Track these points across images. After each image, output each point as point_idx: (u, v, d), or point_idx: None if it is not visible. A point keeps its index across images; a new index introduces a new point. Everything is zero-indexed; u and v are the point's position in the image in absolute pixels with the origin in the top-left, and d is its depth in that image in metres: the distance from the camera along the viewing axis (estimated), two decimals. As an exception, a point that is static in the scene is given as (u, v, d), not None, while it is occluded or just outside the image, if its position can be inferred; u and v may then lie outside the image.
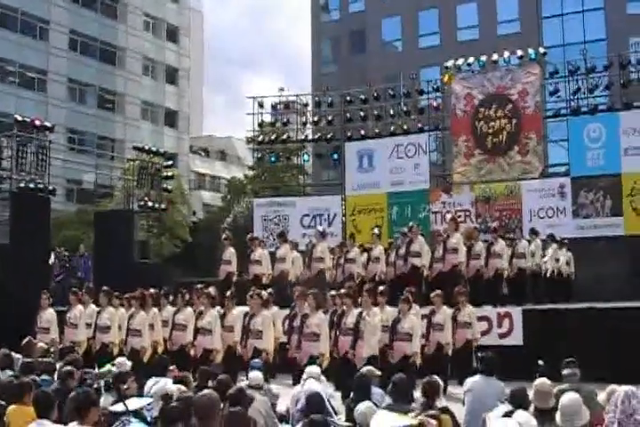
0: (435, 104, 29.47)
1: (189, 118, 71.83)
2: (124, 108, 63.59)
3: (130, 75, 63.81)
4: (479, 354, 12.14)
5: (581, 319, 18.23)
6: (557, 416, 7.75)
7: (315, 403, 8.66)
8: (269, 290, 18.55)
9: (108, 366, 12.14)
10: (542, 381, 8.48)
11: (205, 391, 7.66)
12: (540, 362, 12.96)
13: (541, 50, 28.61)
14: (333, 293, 17.38)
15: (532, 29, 50.30)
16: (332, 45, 62.08)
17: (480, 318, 18.00)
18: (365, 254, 21.56)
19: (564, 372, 10.41)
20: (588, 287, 22.97)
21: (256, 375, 11.00)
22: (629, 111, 26.26)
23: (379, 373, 11.20)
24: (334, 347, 15.70)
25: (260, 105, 31.57)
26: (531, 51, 27.83)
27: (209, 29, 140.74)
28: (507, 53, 28.01)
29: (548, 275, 22.17)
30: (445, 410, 8.84)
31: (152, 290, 18.24)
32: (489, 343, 17.28)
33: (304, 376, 11.21)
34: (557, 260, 22.51)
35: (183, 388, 9.49)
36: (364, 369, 11.10)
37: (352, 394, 9.93)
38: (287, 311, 18.01)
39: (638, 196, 24.98)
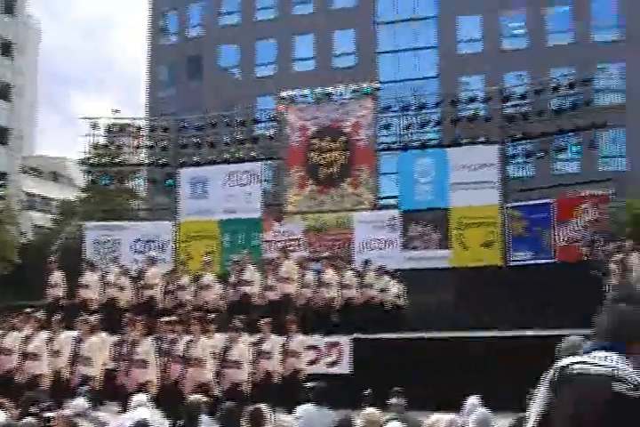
0: (269, 133, 29.71)
1: (22, 137, 70.16)
2: (-46, 122, 61.67)
3: (-40, 89, 61.99)
4: (309, 384, 12.25)
5: (409, 349, 18.60)
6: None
7: (142, 431, 8.66)
8: (98, 315, 18.25)
9: None
10: (371, 410, 8.71)
11: (26, 420, 7.55)
12: (367, 391, 13.21)
13: (375, 84, 29.20)
14: (164, 319, 17.32)
15: (367, 64, 51.32)
16: (170, 69, 61.60)
17: (309, 347, 18.09)
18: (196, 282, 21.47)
19: (391, 401, 10.78)
20: (416, 317, 23.54)
21: (81, 402, 10.84)
22: (458, 148, 27.11)
23: (207, 400, 11.23)
24: (164, 374, 15.58)
25: (94, 126, 31.09)
26: (365, 85, 28.39)
27: (44, 47, 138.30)
28: (341, 86, 28.48)
29: (377, 306, 22.41)
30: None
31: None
32: (317, 372, 17.34)
33: (132, 404, 11.13)
34: (386, 291, 22.85)
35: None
36: (193, 397, 11.09)
37: (181, 422, 9.94)
38: (115, 338, 17.78)
39: (466, 230, 25.80)
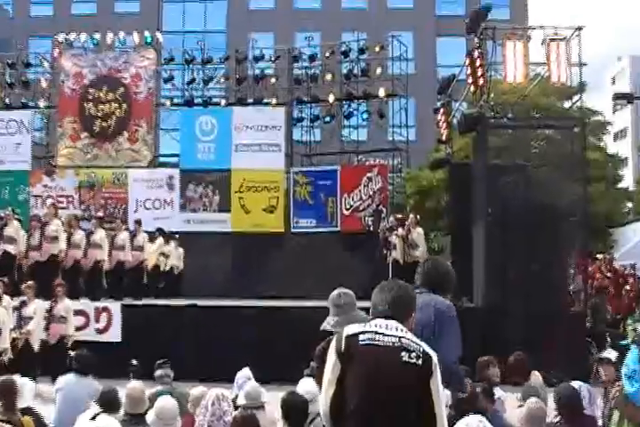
0: (43, 79, 28.16)
1: None
2: None
3: None
4: (72, 352, 11.78)
5: (182, 317, 18.21)
6: (151, 420, 7.89)
7: None
8: None
9: None
10: (134, 386, 8.27)
11: None
12: (134, 362, 13.01)
13: (158, 35, 28.45)
14: None
15: (151, 12, 49.64)
16: None
17: (77, 313, 17.15)
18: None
19: (157, 373, 10.41)
20: (193, 282, 22.94)
21: None
22: (242, 107, 26.68)
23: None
24: None
25: None
26: (147, 34, 27.66)
27: None
28: (122, 34, 27.46)
29: (153, 269, 21.77)
30: (28, 411, 8.39)
31: None
32: (86, 339, 16.53)
33: None
34: (163, 254, 22.15)
35: None
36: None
37: None
38: None
39: (247, 193, 25.24)
